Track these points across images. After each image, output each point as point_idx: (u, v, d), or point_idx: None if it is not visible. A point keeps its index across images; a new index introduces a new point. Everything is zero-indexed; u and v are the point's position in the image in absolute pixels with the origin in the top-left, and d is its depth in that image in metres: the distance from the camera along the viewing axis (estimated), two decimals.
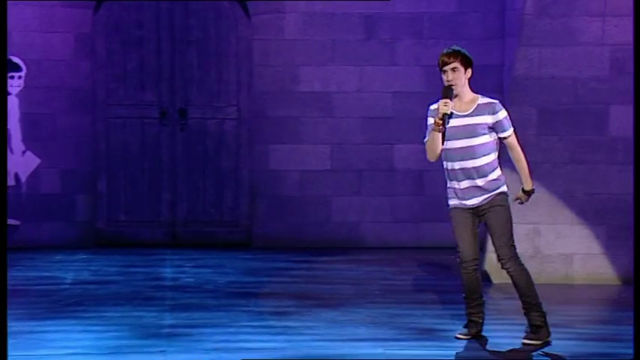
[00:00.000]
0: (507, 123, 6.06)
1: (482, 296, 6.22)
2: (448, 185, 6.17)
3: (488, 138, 6.03)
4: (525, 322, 6.20)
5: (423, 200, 10.22)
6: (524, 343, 6.07)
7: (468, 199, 6.09)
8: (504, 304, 7.28)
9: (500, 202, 6.05)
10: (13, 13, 9.75)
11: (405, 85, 10.20)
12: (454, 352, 5.96)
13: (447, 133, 6.02)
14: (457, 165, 6.04)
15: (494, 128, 6.02)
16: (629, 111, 8.28)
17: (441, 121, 6.00)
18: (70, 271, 8.68)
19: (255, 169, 10.23)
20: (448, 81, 6.02)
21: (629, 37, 8.25)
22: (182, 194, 10.26)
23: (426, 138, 6.14)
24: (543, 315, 6.11)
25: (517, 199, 6.17)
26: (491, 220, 6.07)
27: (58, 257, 9.32)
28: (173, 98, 10.26)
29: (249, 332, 6.38)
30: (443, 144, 6.04)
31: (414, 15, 10.16)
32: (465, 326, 6.23)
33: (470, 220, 6.11)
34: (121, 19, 10.13)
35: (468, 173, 6.03)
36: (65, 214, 9.99)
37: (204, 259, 9.38)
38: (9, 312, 6.89)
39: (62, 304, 7.16)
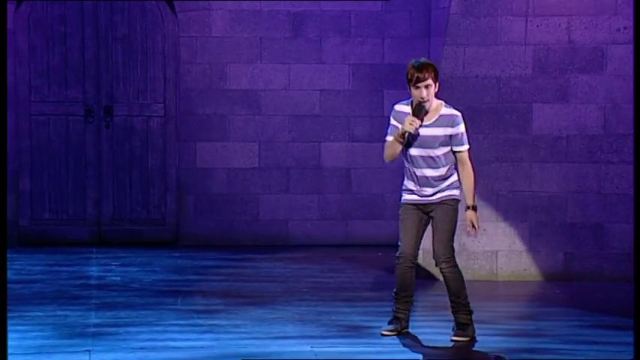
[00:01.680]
0: (464, 138, 6.10)
1: (412, 295, 6.27)
2: (405, 182, 6.21)
3: (448, 149, 6.10)
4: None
5: (351, 198, 10.28)
6: (452, 340, 6.14)
7: (425, 196, 6.11)
8: (438, 300, 7.36)
9: (450, 203, 6.11)
10: None
11: (332, 83, 10.24)
12: (381, 349, 6.01)
13: (409, 140, 6.10)
14: (418, 172, 6.11)
15: (450, 140, 6.08)
16: (551, 109, 8.43)
17: (401, 137, 6.05)
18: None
19: (182, 167, 10.18)
20: (422, 98, 6.00)
21: (552, 36, 8.40)
22: (108, 192, 10.17)
23: (388, 137, 6.16)
24: (470, 313, 6.19)
25: (469, 226, 6.10)
26: (437, 215, 6.11)
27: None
28: (98, 95, 10.15)
29: (176, 331, 6.35)
30: (403, 151, 6.14)
31: (341, 13, 10.20)
32: (390, 322, 6.28)
33: (417, 217, 6.15)
34: (44, 14, 9.99)
35: (426, 181, 6.11)
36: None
37: (130, 258, 9.30)
38: None
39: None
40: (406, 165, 6.17)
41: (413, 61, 6.06)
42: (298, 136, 10.25)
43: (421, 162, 6.07)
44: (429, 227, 6.19)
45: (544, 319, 6.95)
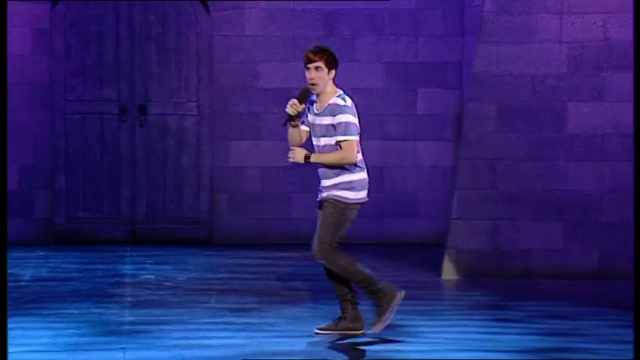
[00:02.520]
0: (342, 129, 5.97)
1: (335, 289, 6.21)
2: None
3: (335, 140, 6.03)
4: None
5: (384, 196, 10.26)
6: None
7: (321, 192, 6.14)
8: (478, 300, 7.34)
9: (332, 202, 6.06)
10: None
11: (365, 81, 10.23)
12: (415, 348, 5.99)
13: (311, 129, 6.10)
14: (320, 168, 6.12)
15: (335, 130, 5.99)
16: (586, 107, 8.37)
17: (285, 122, 6.06)
18: (29, 268, 8.62)
19: (215, 166, 10.21)
20: (310, 79, 5.98)
21: (587, 34, 8.34)
22: (142, 191, 10.22)
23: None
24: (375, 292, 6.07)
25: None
26: (320, 212, 6.14)
27: (17, 254, 9.24)
28: (132, 94, 10.21)
29: (209, 329, 6.37)
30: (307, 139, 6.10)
31: (375, 11, 10.19)
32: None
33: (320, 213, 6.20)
34: (80, 14, 10.06)
35: (320, 171, 6.09)
36: (24, 210, 9.90)
37: (164, 256, 9.35)
38: None
39: (21, 301, 7.10)
40: None
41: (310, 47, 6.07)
42: None
43: (317, 151, 6.07)
44: None
45: (579, 319, 6.90)
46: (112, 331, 6.25)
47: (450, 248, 8.39)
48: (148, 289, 7.71)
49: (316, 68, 5.94)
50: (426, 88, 10.24)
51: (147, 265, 8.88)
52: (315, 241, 6.12)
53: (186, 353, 5.77)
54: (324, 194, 6.09)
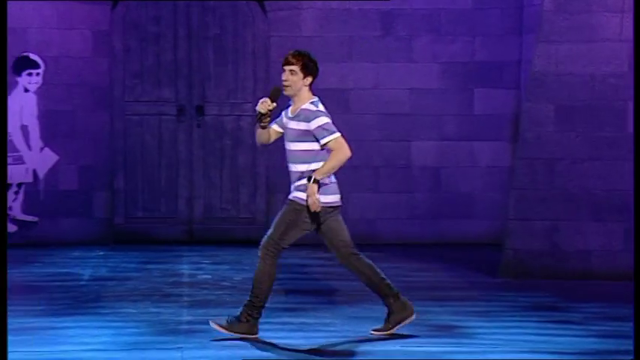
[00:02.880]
0: (321, 132, 5.98)
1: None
2: None
3: (308, 146, 6.02)
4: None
5: (440, 197, 10.21)
6: (217, 325, 6.01)
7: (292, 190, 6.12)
8: (534, 301, 7.28)
9: (290, 203, 6.10)
10: (32, 10, 9.79)
11: (422, 81, 10.18)
12: (473, 349, 5.95)
13: (284, 134, 6.13)
14: (290, 166, 6.13)
15: (314, 136, 6.00)
16: None
17: (257, 120, 6.07)
18: (88, 267, 8.71)
19: (271, 166, 10.24)
20: (283, 80, 6.03)
21: None
22: (199, 191, 10.28)
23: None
24: (253, 317, 6.05)
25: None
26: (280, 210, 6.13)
27: (76, 253, 9.35)
28: (190, 95, 10.28)
29: (266, 329, 6.38)
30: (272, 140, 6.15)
31: (432, 11, 10.14)
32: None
33: None
34: (139, 15, 10.16)
35: (295, 177, 6.11)
36: (83, 210, 10.02)
37: (221, 256, 9.39)
38: (28, 308, 6.94)
39: (81, 301, 7.18)
40: None
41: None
42: (388, 135, 10.22)
43: (288, 155, 6.10)
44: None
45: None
46: (169, 331, 6.29)
47: (507, 249, 8.32)
48: (205, 289, 7.75)
49: (291, 71, 6.01)
50: (483, 88, 10.17)
51: (204, 265, 8.93)
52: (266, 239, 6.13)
53: (243, 353, 5.79)
54: (290, 195, 6.13)
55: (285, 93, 6.05)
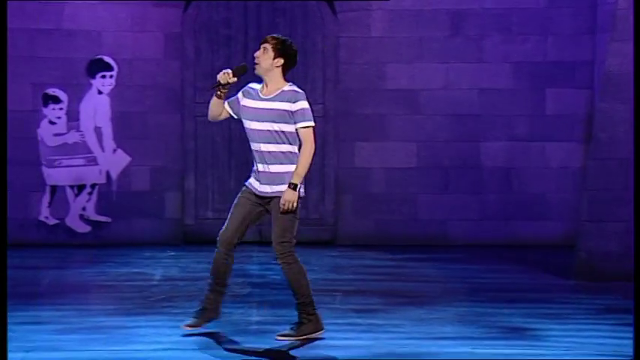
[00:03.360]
0: (303, 115, 5.96)
1: (225, 285, 6.10)
2: (253, 166, 6.13)
3: (289, 127, 5.98)
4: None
5: (511, 198, 10.11)
6: (282, 336, 6.01)
7: (262, 184, 6.05)
8: (609, 304, 7.17)
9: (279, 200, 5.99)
10: (107, 14, 9.93)
11: (492, 81, 10.10)
12: (544, 352, 5.88)
13: (248, 114, 6.06)
14: (256, 146, 6.03)
15: (293, 116, 5.97)
16: None
17: (215, 87, 6.06)
18: (160, 267, 8.80)
19: (340, 167, 10.24)
20: (254, 57, 6.06)
21: None
22: None
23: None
24: (311, 314, 6.01)
25: (283, 203, 5.96)
26: (273, 209, 6.05)
27: (148, 253, 9.45)
28: None
29: (334, 330, 6.38)
30: (244, 123, 6.05)
31: (503, 11, 10.05)
32: (195, 314, 6.11)
33: (250, 207, 6.08)
34: (210, 17, 10.24)
35: (263, 157, 6.01)
36: (155, 211, 10.13)
37: None
38: (101, 307, 7.03)
39: (152, 300, 7.26)
40: (250, 145, 6.06)
41: None
42: (457, 136, 10.16)
43: (261, 136, 5.98)
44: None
45: None
46: (240, 331, 6.33)
47: (580, 251, 8.20)
48: (275, 290, 7.78)
49: (264, 49, 6.05)
50: (555, 88, 10.05)
51: (273, 266, 8.95)
52: (274, 242, 6.07)
53: (312, 353, 5.79)
54: (276, 189, 6.02)
55: (255, 72, 6.06)
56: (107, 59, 10.00)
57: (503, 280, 8.35)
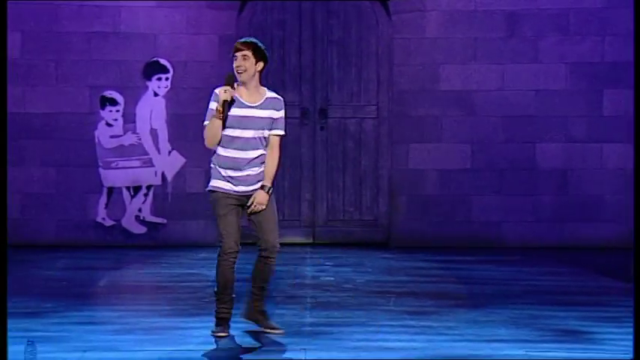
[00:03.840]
0: (282, 124, 6.07)
1: (233, 291, 6.11)
2: (219, 170, 6.04)
3: (267, 132, 6.03)
4: None
5: (567, 200, 10.01)
6: (270, 332, 6.08)
7: (243, 186, 6.02)
8: None
9: (268, 192, 6.05)
10: (162, 16, 10.02)
11: (548, 82, 10.01)
12: (600, 355, 5.81)
13: (232, 122, 5.99)
14: (236, 153, 5.98)
15: (272, 123, 6.01)
16: None
17: (221, 109, 5.95)
18: (214, 268, 8.83)
19: (394, 168, 10.22)
20: (237, 66, 6.00)
21: None
22: (322, 193, 10.34)
23: (206, 122, 6.05)
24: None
25: (252, 204, 6.00)
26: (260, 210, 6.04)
27: (202, 255, 9.51)
28: (314, 98, 10.35)
29: (388, 331, 6.37)
30: (224, 130, 5.98)
31: (559, 11, 9.96)
32: (218, 325, 6.09)
33: (237, 210, 6.04)
34: (264, 19, 10.28)
35: (238, 163, 5.99)
36: (209, 212, 10.16)
37: (343, 258, 9.42)
38: (156, 308, 7.09)
39: (206, 301, 7.30)
40: (223, 152, 5.99)
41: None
42: (512, 137, 10.09)
43: (244, 143, 5.95)
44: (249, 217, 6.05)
45: None
46: (293, 332, 6.34)
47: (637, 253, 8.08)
48: (328, 291, 7.78)
49: (244, 57, 6.02)
50: (613, 88, 9.93)
51: (326, 267, 8.98)
52: (272, 235, 6.07)
53: (366, 355, 5.79)
54: (256, 186, 6.02)
55: (240, 79, 6.03)
56: (163, 62, 10.09)
57: (558, 282, 8.27)
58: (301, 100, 10.35)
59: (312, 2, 10.27)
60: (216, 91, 6.07)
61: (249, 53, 6.06)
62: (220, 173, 6.05)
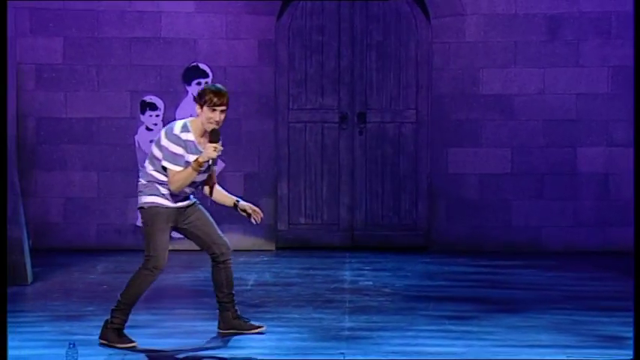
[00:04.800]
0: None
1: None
2: (162, 192, 6.06)
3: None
4: None
5: (609, 204, 9.92)
6: (254, 332, 6.22)
7: (178, 202, 6.12)
8: None
9: (199, 204, 6.24)
10: (202, 21, 10.08)
11: (589, 86, 9.94)
12: None
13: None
14: (189, 190, 6.11)
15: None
16: None
17: (203, 164, 5.99)
18: (253, 272, 8.88)
19: (433, 173, 10.19)
20: (217, 122, 6.01)
21: None
22: (361, 198, 10.33)
23: (177, 167, 6.00)
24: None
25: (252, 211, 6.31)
26: (201, 218, 6.16)
27: (242, 259, 9.54)
28: (352, 102, 10.35)
29: (427, 336, 6.35)
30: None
31: (601, 14, 9.88)
32: (120, 336, 6.05)
33: (170, 227, 6.09)
34: (303, 24, 10.30)
35: (187, 194, 6.14)
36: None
37: (382, 263, 9.41)
38: (196, 312, 7.13)
39: (245, 305, 7.32)
40: (165, 182, 6.02)
41: (211, 85, 6.12)
42: (553, 141, 10.02)
43: (197, 181, 6.09)
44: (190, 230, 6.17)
45: None
46: (332, 337, 6.34)
47: None
48: (367, 296, 7.77)
49: (222, 112, 6.05)
50: None
51: (365, 272, 8.96)
52: (224, 240, 6.25)
53: None
54: (188, 201, 6.21)
55: (208, 129, 6.05)
56: (202, 66, 10.14)
57: (600, 287, 8.20)
58: (340, 104, 10.35)
59: (351, 6, 10.27)
60: (182, 136, 6.03)
61: (225, 108, 6.12)
62: (166, 196, 6.09)
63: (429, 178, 10.22)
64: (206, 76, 10.17)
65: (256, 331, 6.30)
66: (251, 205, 6.31)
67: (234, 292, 6.36)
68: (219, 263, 6.28)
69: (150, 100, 10.19)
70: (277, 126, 10.33)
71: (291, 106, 10.37)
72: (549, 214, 10.00)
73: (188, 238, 6.30)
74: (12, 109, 8.77)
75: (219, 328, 6.32)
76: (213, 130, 6.05)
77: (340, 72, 10.31)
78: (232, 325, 6.29)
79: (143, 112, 10.20)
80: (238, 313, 6.35)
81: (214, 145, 6.00)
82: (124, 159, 10.11)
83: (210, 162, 6.11)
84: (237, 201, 6.31)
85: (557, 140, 10.00)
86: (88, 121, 10.05)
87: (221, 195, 6.33)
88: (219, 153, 6.05)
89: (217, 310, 6.36)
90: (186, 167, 5.99)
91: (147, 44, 10.06)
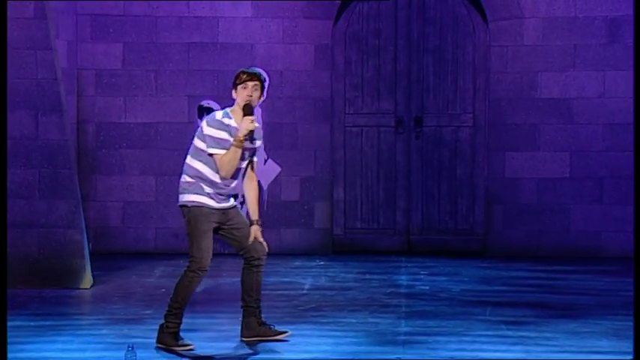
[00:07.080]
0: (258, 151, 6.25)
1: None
2: (207, 191, 6.03)
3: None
4: None
5: None
6: (280, 339, 6.13)
7: (220, 202, 6.09)
8: None
9: (238, 207, 6.26)
10: (258, 26, 10.13)
11: None
12: None
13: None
14: (231, 182, 6.07)
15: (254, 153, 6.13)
16: None
17: (244, 138, 5.97)
18: (309, 276, 8.89)
19: (491, 177, 10.12)
20: (249, 96, 6.02)
21: None
22: (417, 202, 10.30)
23: (216, 150, 5.99)
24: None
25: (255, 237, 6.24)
26: (241, 221, 6.16)
27: (297, 263, 9.56)
28: (409, 106, 10.32)
29: (484, 341, 6.31)
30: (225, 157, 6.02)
31: None
32: (174, 338, 6.01)
33: (212, 229, 6.05)
34: (360, 28, 10.30)
35: (225, 189, 6.07)
36: (304, 221, 10.24)
37: (438, 267, 9.37)
38: None
39: (302, 309, 7.33)
40: (215, 178, 5.98)
41: (244, 68, 6.13)
42: (613, 145, 9.89)
43: (238, 173, 6.06)
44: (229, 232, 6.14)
45: None
46: (388, 341, 6.33)
47: None
48: (423, 300, 7.75)
49: (254, 87, 6.10)
50: None
51: (421, 276, 8.93)
52: (260, 245, 6.23)
53: None
54: (231, 202, 6.18)
55: (250, 105, 6.09)
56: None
57: None
58: (396, 108, 10.33)
59: (408, 10, 10.24)
60: (219, 116, 6.10)
61: (259, 85, 6.16)
62: (209, 194, 6.09)
63: (486, 183, 10.16)
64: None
65: (282, 337, 6.25)
66: (257, 237, 6.24)
67: (260, 297, 6.31)
68: (252, 267, 6.27)
69: (207, 105, 10.25)
70: (333, 130, 10.34)
71: (347, 111, 10.37)
72: (609, 219, 9.87)
73: (226, 240, 6.28)
74: (72, 115, 8.90)
75: (242, 336, 6.26)
76: (245, 105, 6.09)
77: (397, 76, 10.29)
78: (257, 331, 6.25)
79: (200, 117, 10.26)
80: (263, 319, 6.30)
81: (250, 117, 6.03)
82: (182, 163, 10.17)
83: (250, 143, 6.07)
84: (257, 221, 6.25)
85: (617, 144, 9.88)
86: (146, 125, 10.15)
87: (252, 201, 6.26)
88: (256, 126, 6.06)
89: (241, 317, 6.30)
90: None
91: (204, 49, 10.13)
